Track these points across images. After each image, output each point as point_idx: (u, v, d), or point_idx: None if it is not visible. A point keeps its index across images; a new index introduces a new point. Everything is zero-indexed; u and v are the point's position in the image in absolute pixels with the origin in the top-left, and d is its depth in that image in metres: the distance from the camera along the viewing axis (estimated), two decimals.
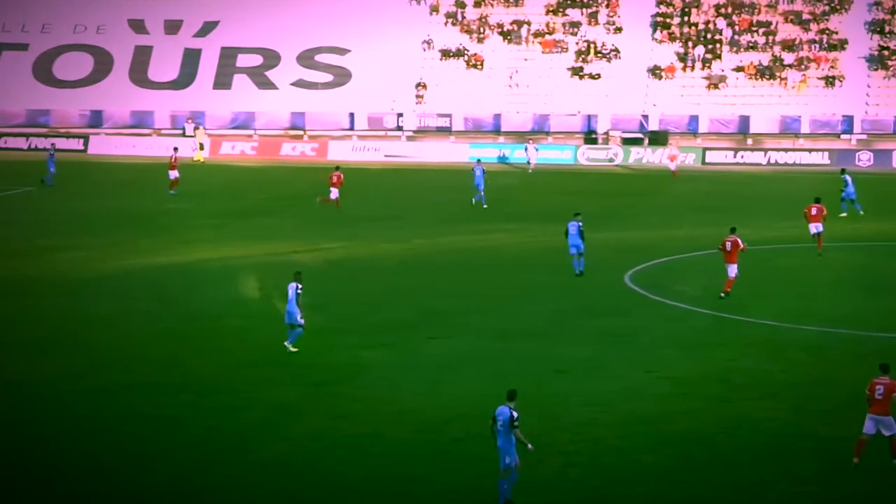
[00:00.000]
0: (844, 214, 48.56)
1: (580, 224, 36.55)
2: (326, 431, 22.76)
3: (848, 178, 50.09)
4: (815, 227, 41.03)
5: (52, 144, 66.19)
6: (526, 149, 67.64)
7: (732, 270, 33.71)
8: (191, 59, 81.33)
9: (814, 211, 41.22)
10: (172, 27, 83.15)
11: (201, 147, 72.02)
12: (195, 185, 58.55)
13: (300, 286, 27.70)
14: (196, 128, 75.76)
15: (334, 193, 51.46)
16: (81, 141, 75.68)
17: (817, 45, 76.13)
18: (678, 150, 68.44)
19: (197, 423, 23.25)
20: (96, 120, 77.84)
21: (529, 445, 19.12)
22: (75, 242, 43.75)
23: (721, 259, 34.54)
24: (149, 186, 60.17)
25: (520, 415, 19.15)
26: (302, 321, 27.55)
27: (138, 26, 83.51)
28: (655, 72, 76.28)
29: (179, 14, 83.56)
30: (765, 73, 75.19)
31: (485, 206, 52.45)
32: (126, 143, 75.52)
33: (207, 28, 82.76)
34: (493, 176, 54.84)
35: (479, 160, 56.67)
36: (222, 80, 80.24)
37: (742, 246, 33.85)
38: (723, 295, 33.55)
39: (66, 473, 20.85)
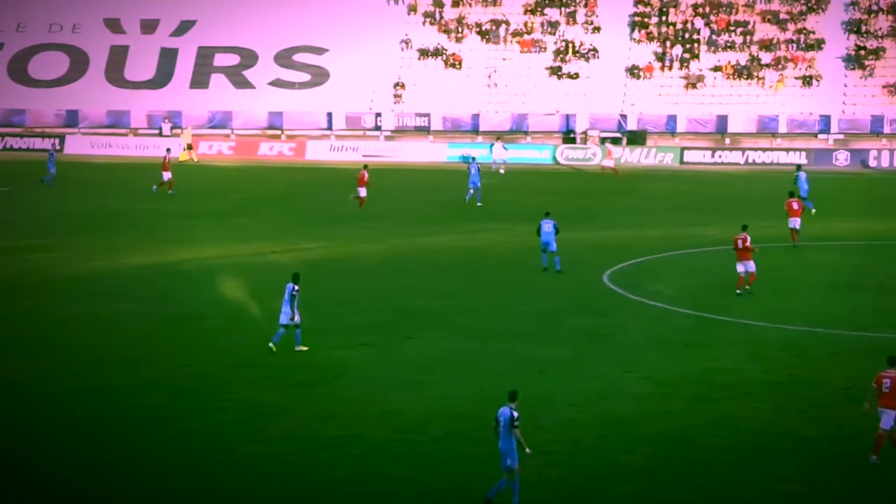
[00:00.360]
0: (814, 211, 48.88)
1: (556, 223, 36.86)
2: (307, 432, 22.65)
3: (802, 174, 50.63)
4: (794, 222, 42.18)
5: (53, 145, 65.74)
6: (492, 147, 67.09)
7: (751, 266, 34.23)
8: (167, 59, 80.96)
9: (795, 206, 42.37)
10: (149, 26, 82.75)
11: (189, 147, 71.65)
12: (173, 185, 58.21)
13: (296, 287, 27.69)
14: (173, 127, 75.47)
15: (363, 192, 51.62)
16: (57, 141, 75.20)
17: (794, 45, 76.43)
18: (615, 148, 68.56)
19: (176, 425, 23.10)
20: (72, 119, 77.38)
21: (528, 449, 19.04)
22: (53, 243, 43.44)
23: (697, 260, 34.62)
24: (126, 186, 59.87)
25: (520, 415, 19.08)
26: (297, 321, 27.61)
27: (114, 25, 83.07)
28: (633, 71, 76.40)
29: (156, 13, 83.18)
30: (742, 72, 75.42)
31: (467, 200, 52.69)
32: (102, 142, 75.09)
33: (184, 27, 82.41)
34: (466, 176, 54.72)
35: (474, 158, 57.02)
36: (199, 80, 79.91)
37: (750, 245, 34.39)
38: (746, 288, 34.14)
39: (36, 476, 20.65)
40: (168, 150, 61.43)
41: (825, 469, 21.08)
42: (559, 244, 37.12)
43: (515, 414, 18.95)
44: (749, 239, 34.33)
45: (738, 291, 34.08)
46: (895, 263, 40.00)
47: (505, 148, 67.34)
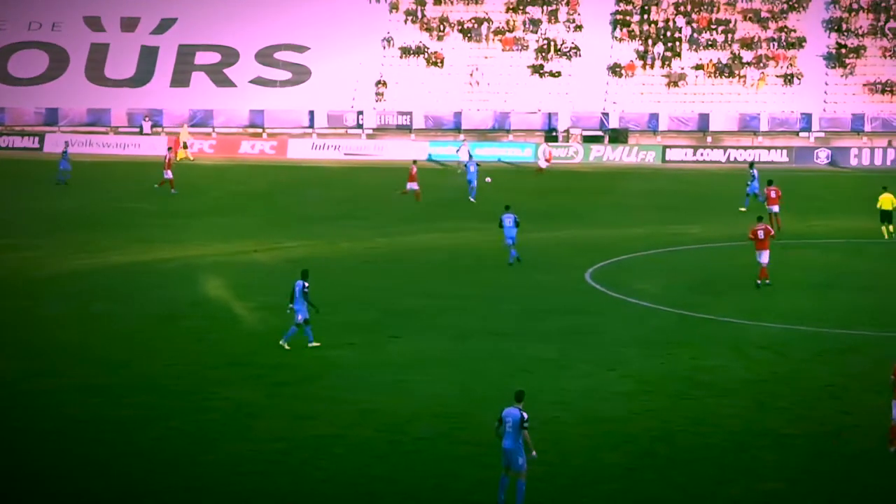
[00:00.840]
0: (744, 209, 49.73)
1: (516, 216, 37.79)
2: (289, 432, 22.62)
3: (755, 171, 51.69)
4: (772, 208, 44.28)
5: (66, 143, 65.50)
6: (458, 149, 66.97)
7: (765, 257, 34.83)
8: (148, 57, 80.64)
9: (773, 194, 44.52)
10: (129, 24, 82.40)
11: (185, 146, 71.21)
12: (153, 183, 58.04)
13: (306, 283, 27.79)
14: (154, 125, 75.25)
15: (411, 185, 52.55)
16: (37, 139, 74.84)
17: (776, 44, 76.68)
18: (554, 149, 68.71)
19: (158, 424, 23.04)
20: (52, 118, 77.00)
21: (533, 452, 19.04)
22: (31, 242, 43.22)
23: (679, 258, 34.70)
24: (107, 185, 59.62)
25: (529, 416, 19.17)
26: (301, 319, 27.75)
27: (94, 23, 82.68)
28: (615, 70, 76.51)
29: (136, 11, 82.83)
30: (724, 71, 75.63)
31: (473, 200, 53.29)
32: (82, 140, 74.68)
33: (165, 25, 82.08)
34: (440, 176, 54.74)
35: (471, 156, 57.20)
36: (180, 78, 79.63)
37: (772, 232, 35.26)
38: (759, 282, 34.66)
39: (24, 475, 20.56)
40: (169, 148, 61.28)
41: (806, 467, 21.15)
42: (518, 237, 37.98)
43: (525, 415, 18.97)
44: (770, 230, 35.12)
45: (766, 282, 34.72)
46: (876, 261, 40.19)
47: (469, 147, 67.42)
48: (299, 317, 27.74)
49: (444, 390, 25.11)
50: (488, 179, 55.25)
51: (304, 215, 49.87)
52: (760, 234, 34.91)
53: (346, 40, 78.90)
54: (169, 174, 56.16)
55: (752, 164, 54.10)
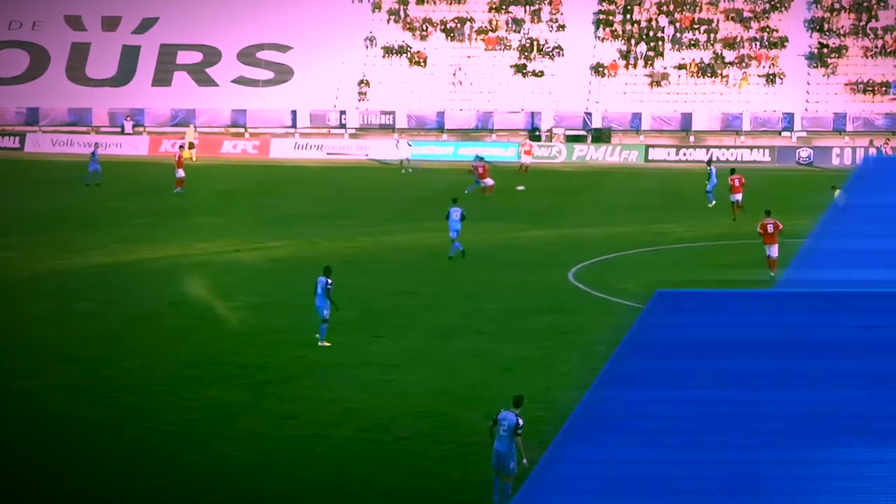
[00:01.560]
0: (713, 204, 50.76)
1: (462, 210, 38.53)
2: (269, 432, 22.48)
3: (713, 169, 52.26)
4: (734, 197, 46.86)
5: (96, 144, 65.10)
6: (397, 144, 67.04)
7: (775, 251, 35.48)
8: (129, 56, 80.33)
9: (736, 182, 47.04)
10: (110, 24, 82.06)
11: (191, 146, 70.78)
12: (135, 183, 57.77)
13: (329, 280, 27.68)
14: (136, 125, 74.91)
15: (488, 181, 54.11)
16: (17, 139, 74.45)
17: (758, 43, 76.86)
18: (535, 145, 68.63)
19: (136, 424, 22.87)
20: (33, 117, 76.63)
21: (524, 460, 18.94)
22: (12, 242, 42.92)
23: (662, 257, 34.67)
24: (89, 185, 59.26)
25: (495, 415, 19.07)
26: (327, 315, 27.68)
27: (75, 23, 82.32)
28: (598, 69, 76.56)
29: (117, 10, 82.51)
30: (706, 70, 75.76)
31: (468, 191, 54.22)
32: (63, 140, 74.37)
33: (146, 25, 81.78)
34: (427, 175, 54.68)
35: (476, 156, 57.55)
36: (162, 77, 79.34)
37: (781, 226, 35.79)
38: (773, 274, 35.05)
39: (8, 475, 20.37)
40: (181, 146, 60.99)
41: None
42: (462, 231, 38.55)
43: (521, 422, 18.90)
44: (779, 223, 35.68)
45: (771, 273, 35.20)
46: None
47: (409, 145, 67.31)
48: (325, 312, 27.65)
49: (426, 389, 25.01)
50: (410, 170, 55.42)
51: (286, 215, 49.67)
52: (770, 227, 35.49)
53: (328, 40, 78.75)
54: (181, 173, 55.82)
55: (709, 163, 54.81)
